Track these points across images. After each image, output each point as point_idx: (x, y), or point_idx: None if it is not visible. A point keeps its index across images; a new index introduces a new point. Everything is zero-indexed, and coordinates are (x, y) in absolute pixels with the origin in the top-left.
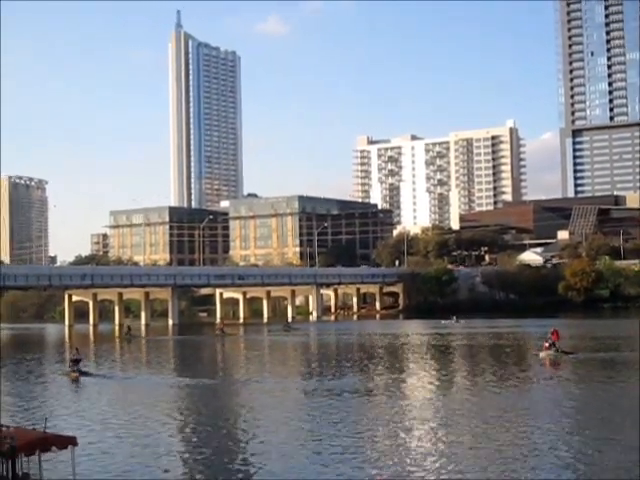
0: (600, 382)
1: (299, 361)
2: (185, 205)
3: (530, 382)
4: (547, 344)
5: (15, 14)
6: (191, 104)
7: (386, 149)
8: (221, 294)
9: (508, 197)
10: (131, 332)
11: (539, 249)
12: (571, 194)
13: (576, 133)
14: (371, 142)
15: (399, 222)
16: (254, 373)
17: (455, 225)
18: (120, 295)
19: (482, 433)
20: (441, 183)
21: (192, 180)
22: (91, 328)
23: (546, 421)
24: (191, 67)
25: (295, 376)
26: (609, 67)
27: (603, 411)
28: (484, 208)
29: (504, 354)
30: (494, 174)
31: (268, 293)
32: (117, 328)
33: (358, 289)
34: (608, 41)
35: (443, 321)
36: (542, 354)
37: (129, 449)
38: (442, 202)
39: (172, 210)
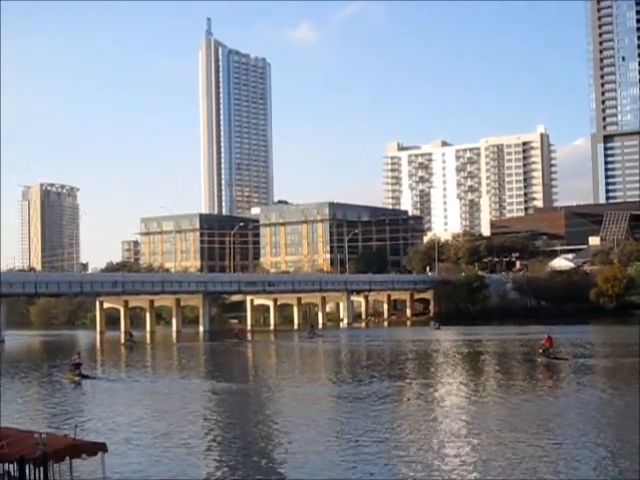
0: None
1: (329, 367)
2: (216, 212)
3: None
4: (541, 350)
5: (48, 25)
6: (221, 111)
7: (417, 155)
8: (252, 301)
9: (539, 203)
10: (133, 339)
11: (570, 255)
12: (602, 200)
13: (607, 139)
14: (401, 148)
15: (430, 228)
16: (283, 378)
17: (486, 231)
18: (151, 302)
19: (512, 440)
20: (472, 189)
21: (223, 187)
22: (122, 335)
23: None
24: (221, 74)
25: (325, 382)
26: None
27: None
28: (515, 214)
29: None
30: (525, 180)
31: (299, 300)
32: (148, 335)
33: (389, 296)
34: (639, 46)
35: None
36: (539, 360)
37: (158, 455)
38: (473, 208)
39: (203, 217)
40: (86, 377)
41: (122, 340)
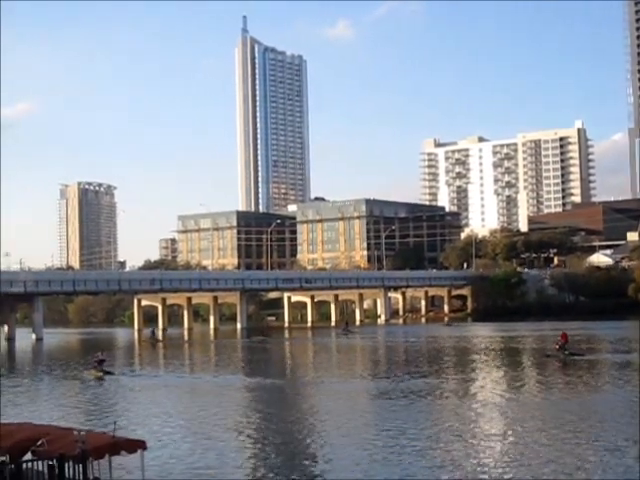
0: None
1: (367, 363)
2: (253, 209)
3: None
4: (557, 346)
5: (86, 24)
6: (258, 108)
7: (453, 151)
8: (289, 298)
9: (577, 199)
10: (155, 336)
11: (608, 251)
12: None
13: None
14: (438, 145)
15: (467, 225)
16: (319, 375)
17: (523, 227)
18: (189, 299)
19: (553, 436)
20: (509, 185)
21: (259, 184)
22: (160, 332)
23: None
24: (257, 72)
25: (362, 377)
26: None
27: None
28: (552, 210)
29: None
30: (562, 175)
31: (336, 296)
32: (186, 332)
33: (426, 292)
34: None
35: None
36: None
37: (197, 451)
38: (510, 204)
39: (240, 214)
40: (109, 373)
41: (146, 338)
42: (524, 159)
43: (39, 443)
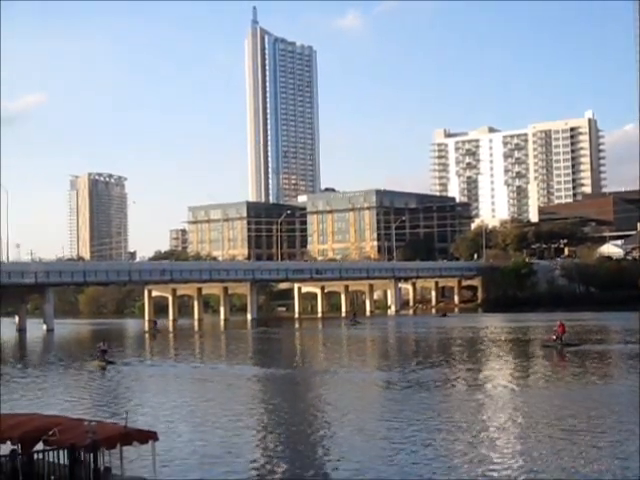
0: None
1: (374, 353)
2: (263, 200)
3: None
4: (554, 337)
5: (96, 16)
6: (268, 99)
7: (464, 142)
8: (299, 288)
9: (587, 189)
10: (157, 327)
11: (619, 241)
12: None
13: None
14: (448, 135)
15: (477, 215)
16: (328, 364)
17: (534, 218)
18: (199, 290)
19: (566, 429)
20: (519, 175)
21: (270, 175)
22: (170, 323)
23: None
24: (267, 62)
25: (373, 368)
26: None
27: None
28: (563, 200)
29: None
30: (573, 166)
31: (346, 287)
32: (196, 323)
33: (436, 283)
34: None
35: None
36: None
37: (208, 443)
38: (520, 195)
39: (250, 205)
40: (111, 363)
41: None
42: (534, 149)
43: (51, 433)
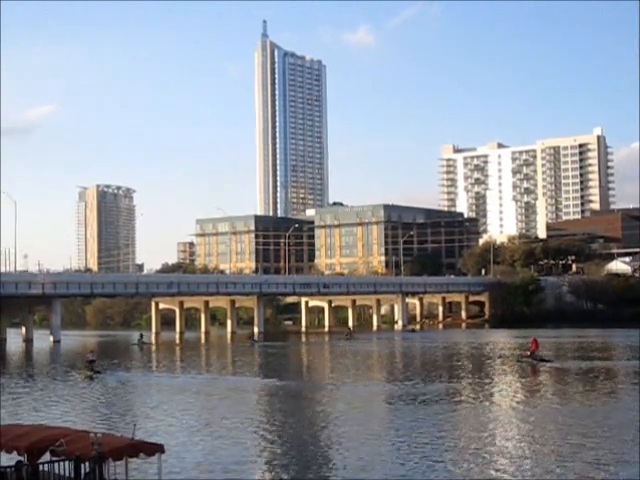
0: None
1: (381, 368)
2: (271, 214)
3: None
4: (528, 353)
5: (107, 29)
6: (277, 113)
7: (472, 157)
8: (306, 302)
9: (596, 206)
10: (143, 339)
11: (627, 258)
12: None
13: None
14: (457, 150)
15: (485, 231)
16: (333, 378)
17: (542, 234)
18: (206, 303)
19: (572, 445)
20: (528, 191)
21: (278, 189)
22: (177, 336)
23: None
24: (277, 76)
25: (378, 382)
26: None
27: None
28: (571, 217)
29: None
30: (581, 182)
31: (353, 302)
32: (203, 336)
33: (444, 298)
34: None
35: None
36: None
37: (214, 455)
38: (529, 211)
39: (258, 218)
40: (98, 373)
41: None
42: (543, 165)
43: (58, 443)
